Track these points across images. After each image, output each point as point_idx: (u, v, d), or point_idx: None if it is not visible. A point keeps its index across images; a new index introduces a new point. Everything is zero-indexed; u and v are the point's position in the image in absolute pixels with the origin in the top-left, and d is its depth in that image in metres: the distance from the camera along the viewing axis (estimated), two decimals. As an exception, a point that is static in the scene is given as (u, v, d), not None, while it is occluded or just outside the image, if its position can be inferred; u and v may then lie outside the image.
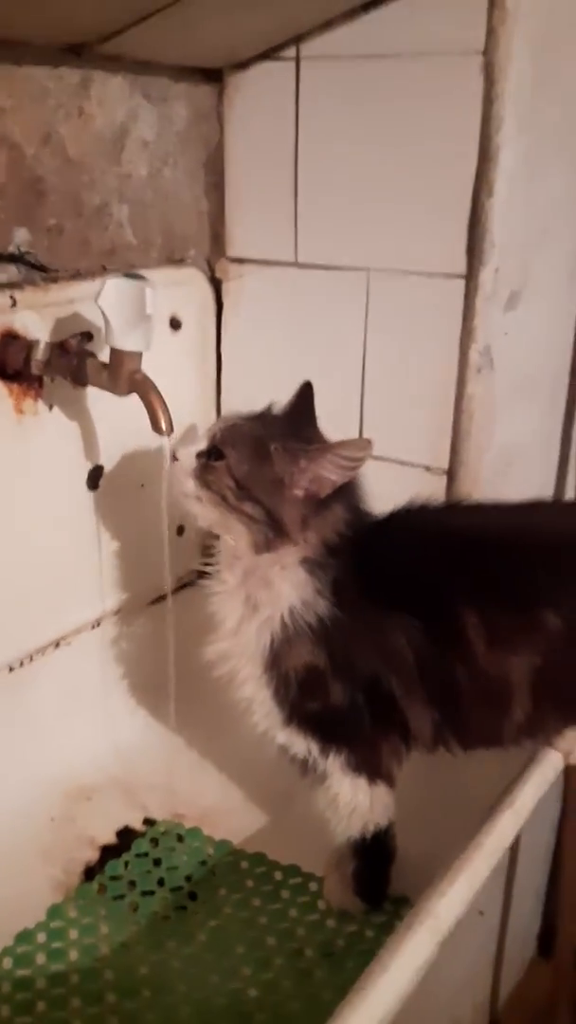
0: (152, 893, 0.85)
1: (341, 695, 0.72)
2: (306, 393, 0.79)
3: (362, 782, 0.75)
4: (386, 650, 0.70)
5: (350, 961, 0.77)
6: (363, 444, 0.69)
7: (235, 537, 0.72)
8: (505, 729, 0.71)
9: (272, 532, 0.70)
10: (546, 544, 0.71)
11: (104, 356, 0.79)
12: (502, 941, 1.58)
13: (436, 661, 0.69)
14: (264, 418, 0.75)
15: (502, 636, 0.68)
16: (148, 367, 0.81)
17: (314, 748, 0.75)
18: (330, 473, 0.69)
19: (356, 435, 0.99)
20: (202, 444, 0.73)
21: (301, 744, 0.75)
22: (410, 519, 0.75)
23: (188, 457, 0.73)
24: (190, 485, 0.72)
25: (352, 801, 0.75)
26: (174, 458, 0.74)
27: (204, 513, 0.73)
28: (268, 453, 0.70)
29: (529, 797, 0.75)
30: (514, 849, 1.49)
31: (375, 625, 0.70)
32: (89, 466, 0.93)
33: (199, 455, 0.72)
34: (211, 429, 0.74)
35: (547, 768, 0.78)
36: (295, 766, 0.78)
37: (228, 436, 0.72)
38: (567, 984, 1.55)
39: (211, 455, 0.72)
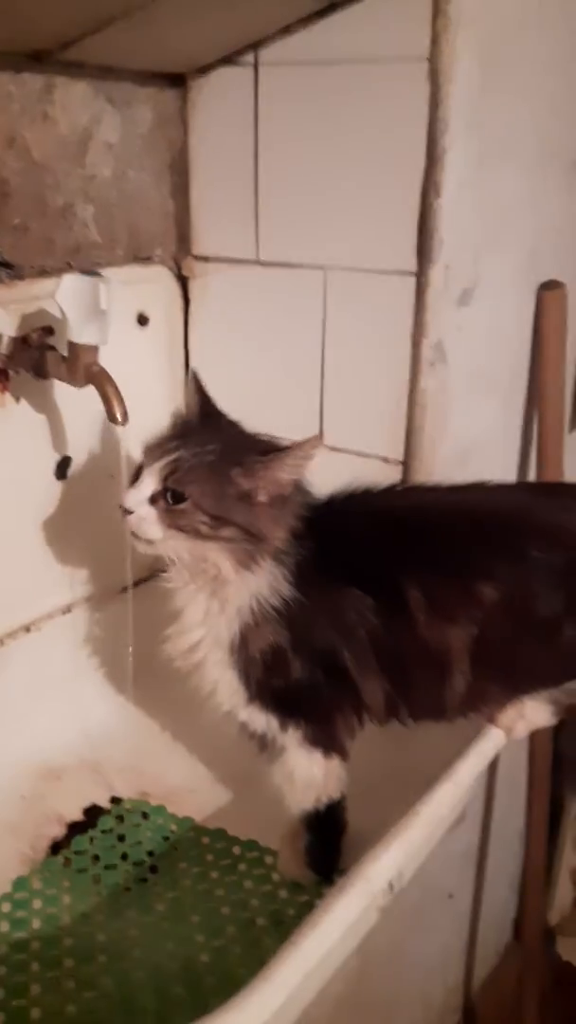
0: (115, 867, 0.88)
1: (301, 671, 0.75)
2: (199, 386, 0.80)
3: (317, 755, 0.78)
4: (340, 625, 0.73)
5: (298, 929, 0.80)
6: (314, 443, 0.72)
7: (216, 562, 0.72)
8: (448, 698, 0.75)
9: (251, 545, 0.72)
10: (481, 521, 0.75)
11: (63, 350, 0.83)
12: (475, 925, 1.62)
13: (385, 634, 0.73)
14: (188, 435, 0.75)
15: (442, 608, 0.72)
16: (117, 362, 0.84)
17: (274, 724, 0.78)
18: (288, 474, 0.72)
19: (317, 426, 1.03)
20: (148, 487, 0.72)
21: (262, 720, 0.78)
22: (355, 501, 0.78)
23: (141, 505, 0.72)
24: (158, 532, 0.72)
25: (307, 774, 0.79)
26: (126, 512, 0.72)
27: (178, 551, 0.72)
28: (228, 477, 0.71)
29: (467, 770, 0.78)
30: (484, 834, 1.53)
31: (330, 602, 0.74)
32: (57, 457, 0.97)
33: (153, 500, 0.72)
34: (151, 467, 0.72)
35: (488, 744, 0.82)
36: (254, 742, 0.81)
37: (181, 475, 0.71)
38: (535, 966, 1.59)
39: (168, 497, 0.71)
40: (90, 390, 0.84)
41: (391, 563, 0.74)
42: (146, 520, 0.72)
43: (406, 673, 0.74)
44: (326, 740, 0.77)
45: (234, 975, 0.76)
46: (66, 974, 0.76)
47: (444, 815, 0.76)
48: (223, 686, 0.78)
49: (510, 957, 1.79)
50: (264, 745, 0.79)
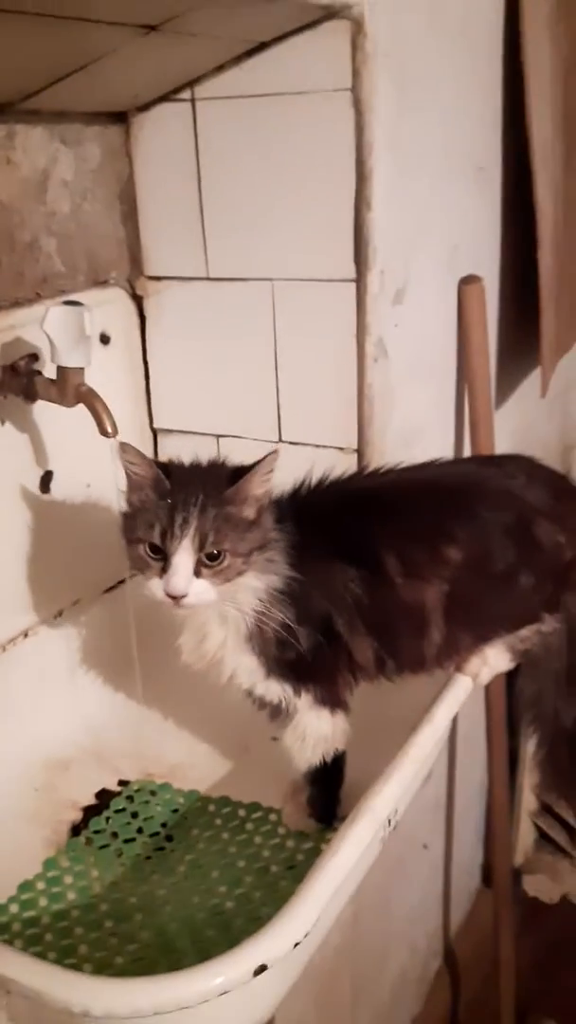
0: (133, 840, 0.96)
1: (307, 640, 0.82)
2: (139, 453, 0.80)
3: (326, 713, 0.86)
4: (331, 594, 0.82)
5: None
6: (273, 457, 0.78)
7: (244, 583, 0.77)
8: (427, 650, 0.85)
9: (263, 555, 0.78)
10: (440, 492, 0.87)
11: (49, 373, 0.91)
12: (448, 872, 1.75)
13: (368, 598, 0.82)
14: (174, 496, 0.76)
15: (415, 570, 0.82)
16: (87, 379, 0.92)
17: (288, 691, 0.84)
18: (261, 488, 0.79)
19: (275, 425, 1.12)
20: (188, 564, 0.74)
21: (278, 691, 0.84)
22: (324, 487, 0.88)
23: (191, 583, 0.74)
24: (213, 594, 0.76)
25: (319, 731, 0.86)
26: (178, 598, 0.75)
27: (223, 597, 0.77)
28: (229, 514, 0.76)
29: (444, 713, 0.89)
30: (450, 787, 1.65)
31: (320, 575, 0.82)
32: (40, 472, 1.04)
33: (196, 568, 0.75)
34: (178, 545, 0.74)
35: (458, 690, 0.93)
36: (265, 711, 0.88)
37: (212, 537, 0.74)
38: (506, 905, 1.72)
39: (206, 560, 0.75)
40: (68, 410, 0.93)
41: (368, 536, 0.84)
42: (203, 593, 0.75)
43: (390, 631, 0.84)
44: (332, 699, 0.86)
45: (259, 914, 0.85)
46: (107, 933, 0.84)
47: (428, 753, 0.87)
48: (242, 671, 0.84)
49: (481, 901, 1.93)
50: (276, 713, 0.87)
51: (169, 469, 0.80)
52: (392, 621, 0.84)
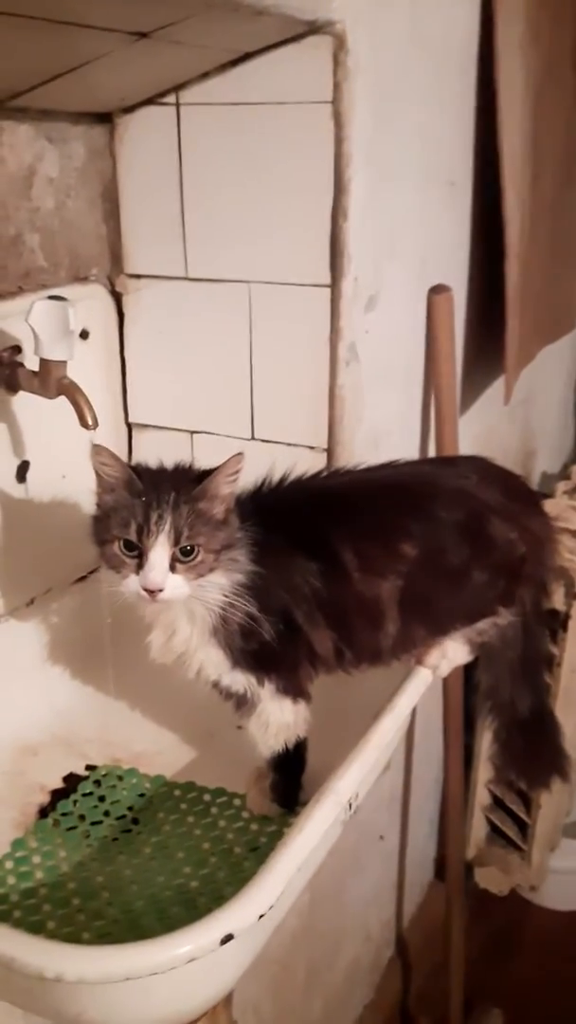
0: (100, 822, 0.98)
1: (270, 631, 0.84)
2: (113, 455, 0.82)
3: (288, 702, 0.89)
4: (291, 587, 0.85)
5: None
6: (237, 459, 0.80)
7: (212, 579, 0.80)
8: (383, 642, 0.89)
9: (230, 553, 0.81)
10: (397, 491, 0.91)
11: (31, 365, 0.93)
12: (402, 864, 1.80)
13: (327, 591, 0.86)
14: (148, 494, 0.79)
15: (371, 565, 0.86)
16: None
17: (252, 681, 0.87)
18: (227, 488, 0.81)
19: (248, 423, 1.16)
20: (164, 559, 0.77)
21: (242, 681, 0.87)
22: (286, 486, 0.91)
23: (167, 578, 0.77)
24: (187, 588, 0.78)
25: (281, 719, 0.89)
26: (154, 592, 0.77)
27: (194, 592, 0.79)
28: (201, 512, 0.79)
29: (405, 703, 0.93)
30: (407, 780, 1.70)
31: (282, 569, 0.85)
32: (17, 461, 1.06)
33: (173, 563, 0.77)
34: (153, 540, 0.77)
35: (419, 681, 0.97)
36: (230, 701, 0.91)
37: (186, 532, 0.77)
38: (458, 901, 1.77)
39: (180, 555, 0.78)
40: (46, 401, 0.95)
41: (326, 532, 0.87)
42: (178, 588, 0.78)
43: (348, 624, 0.88)
44: (294, 688, 0.89)
45: (223, 893, 0.87)
46: (75, 910, 0.86)
47: (389, 741, 0.91)
48: (209, 663, 0.87)
49: (434, 892, 1.98)
50: (241, 702, 0.90)
51: (139, 471, 0.83)
52: (350, 614, 0.87)
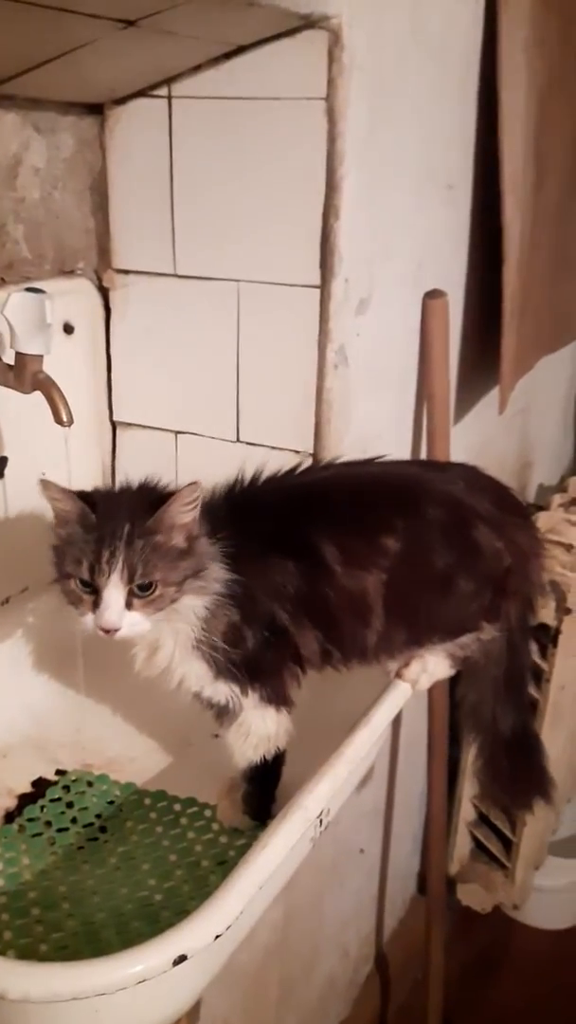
0: (67, 829, 0.96)
1: (253, 639, 0.83)
2: (65, 490, 0.80)
3: (271, 711, 0.86)
4: (273, 590, 0.83)
5: (240, 866, 0.91)
6: (192, 488, 0.77)
7: (183, 604, 0.79)
8: (368, 639, 0.86)
9: (198, 577, 0.79)
10: (380, 485, 0.89)
11: (7, 359, 0.91)
12: (383, 879, 1.77)
13: (310, 590, 0.83)
14: (101, 529, 0.76)
15: (355, 560, 0.83)
16: (47, 368, 0.93)
17: (236, 691, 0.85)
18: (184, 517, 0.78)
19: (234, 424, 1.13)
20: (119, 598, 0.75)
21: (225, 691, 0.85)
22: (262, 483, 0.88)
23: (122, 617, 0.75)
24: (147, 624, 0.77)
25: (263, 730, 0.87)
26: (110, 631, 0.75)
27: (158, 623, 0.78)
28: (158, 544, 0.76)
29: (381, 717, 0.90)
30: (390, 794, 1.67)
31: (261, 572, 0.83)
32: (-5, 458, 1.04)
33: (128, 599, 0.75)
34: (106, 579, 0.75)
35: (397, 694, 0.94)
36: (211, 711, 0.89)
37: (140, 569, 0.75)
38: (439, 917, 1.74)
39: (137, 591, 0.75)
40: (27, 396, 0.93)
41: (304, 529, 0.85)
42: (136, 624, 0.76)
43: (333, 621, 0.85)
44: (278, 696, 0.86)
45: (187, 908, 0.85)
46: (33, 920, 0.84)
47: (363, 755, 0.88)
48: (191, 676, 0.85)
49: (415, 908, 1.95)
50: (224, 712, 0.87)
51: (94, 499, 0.79)
52: (334, 610, 0.85)
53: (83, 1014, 0.65)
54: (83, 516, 0.78)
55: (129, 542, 0.75)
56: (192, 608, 0.80)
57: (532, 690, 1.51)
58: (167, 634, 0.82)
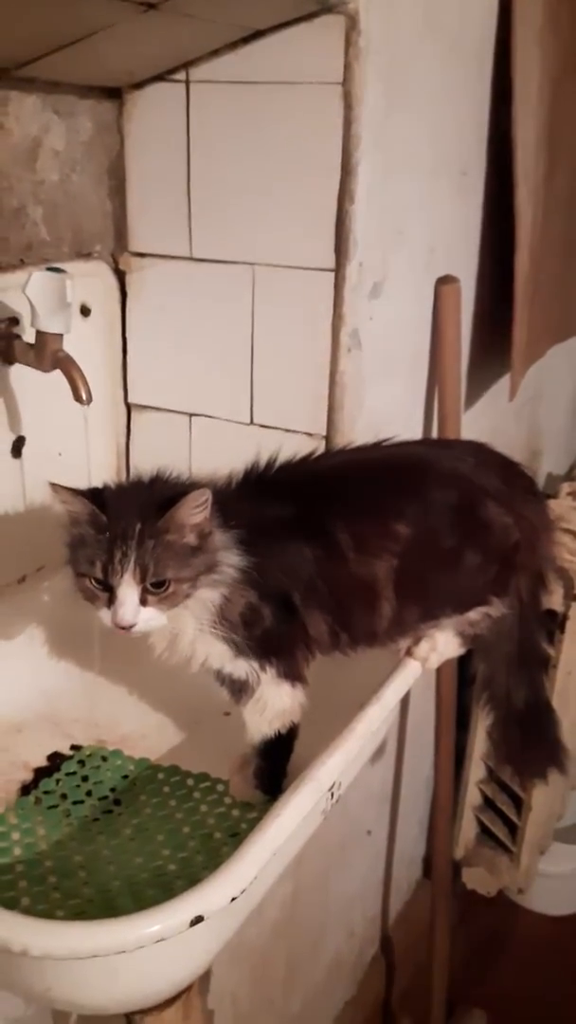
0: (82, 802, 0.98)
1: (270, 616, 0.84)
2: (75, 490, 0.81)
3: (287, 686, 0.88)
4: (287, 572, 0.84)
5: (253, 838, 0.92)
6: (199, 494, 0.78)
7: (199, 598, 0.80)
8: (378, 624, 0.88)
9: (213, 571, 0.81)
10: (390, 471, 0.90)
11: (28, 338, 0.92)
12: (390, 861, 1.78)
13: (323, 574, 0.85)
14: (113, 528, 0.77)
15: (367, 546, 0.85)
16: (65, 349, 0.94)
17: (255, 667, 0.86)
18: (194, 519, 0.79)
19: (248, 407, 1.14)
20: (133, 596, 0.77)
21: (244, 668, 0.86)
22: (278, 468, 0.90)
23: (138, 614, 0.77)
24: (163, 619, 0.79)
25: (280, 704, 0.88)
26: (127, 628, 0.77)
27: (175, 618, 0.80)
28: (170, 543, 0.78)
29: (392, 694, 0.92)
30: (397, 776, 1.68)
31: (277, 555, 0.84)
32: (12, 437, 1.06)
33: (143, 596, 0.77)
34: (120, 579, 0.76)
35: (407, 672, 0.95)
36: (226, 687, 0.90)
37: (153, 568, 0.76)
38: (444, 901, 1.75)
39: (151, 589, 0.77)
40: (43, 377, 0.94)
41: (320, 515, 0.86)
42: (152, 620, 0.78)
43: (343, 606, 0.87)
44: (293, 672, 0.88)
45: (200, 877, 0.85)
46: (51, 887, 0.86)
47: (374, 731, 0.89)
48: (213, 656, 0.86)
49: (420, 891, 1.97)
50: (241, 689, 0.89)
51: (105, 497, 0.80)
52: (345, 596, 0.86)
53: (102, 973, 0.67)
54: (94, 517, 0.79)
55: (140, 542, 0.77)
56: (208, 599, 0.82)
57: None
58: (186, 622, 0.84)
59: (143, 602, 0.78)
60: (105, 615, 0.79)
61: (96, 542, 0.78)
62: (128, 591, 0.77)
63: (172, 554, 0.78)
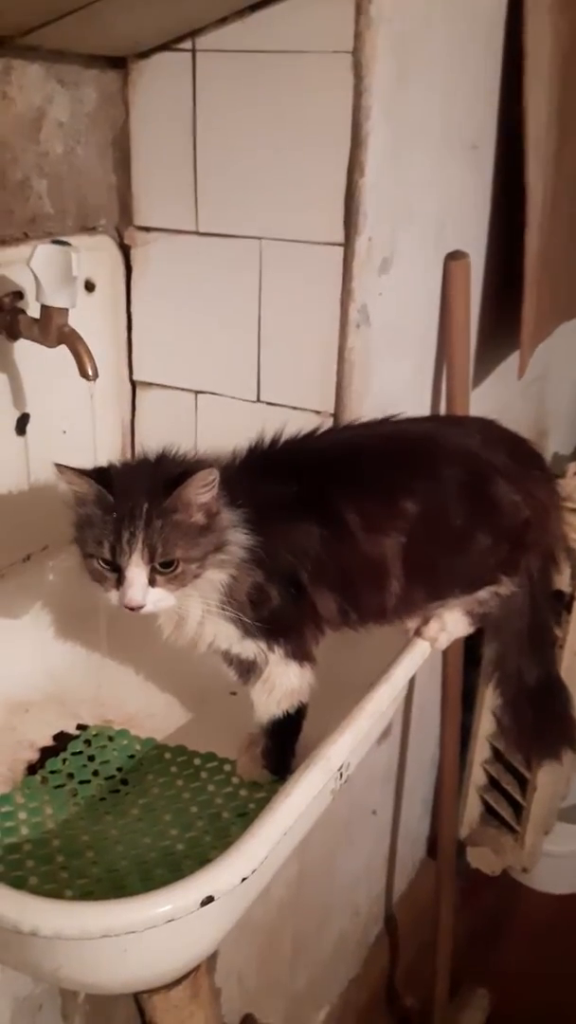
0: (88, 781, 0.97)
1: (277, 597, 0.84)
2: (81, 471, 0.80)
3: (295, 666, 0.87)
4: (295, 550, 0.83)
5: (261, 817, 0.92)
6: (206, 474, 0.77)
7: (206, 577, 0.80)
8: (387, 601, 0.87)
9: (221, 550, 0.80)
10: (397, 447, 0.89)
11: (33, 312, 0.91)
12: (394, 841, 1.79)
13: (331, 552, 0.84)
14: (120, 508, 0.77)
15: (375, 523, 0.84)
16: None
17: (263, 647, 0.86)
18: (202, 498, 0.78)
19: (255, 384, 1.13)
20: (141, 577, 0.76)
21: (252, 648, 0.86)
22: (283, 445, 0.89)
23: (147, 594, 0.76)
24: (171, 599, 0.78)
25: (288, 684, 0.88)
26: (136, 609, 0.77)
27: (184, 598, 0.80)
28: (177, 522, 0.77)
29: (401, 674, 0.91)
30: (402, 756, 1.68)
31: (284, 533, 0.83)
32: (17, 414, 1.04)
33: (151, 577, 0.76)
34: (128, 560, 0.76)
35: (416, 652, 0.95)
36: (233, 667, 0.90)
37: (161, 548, 0.76)
38: (449, 880, 1.76)
39: (159, 568, 0.76)
40: (48, 350, 0.93)
41: (327, 494, 0.85)
42: (161, 600, 0.78)
43: (353, 584, 0.86)
44: (302, 652, 0.87)
45: (208, 857, 0.86)
46: (59, 867, 0.85)
47: (383, 711, 0.89)
48: (220, 637, 0.86)
49: (425, 871, 1.97)
50: (249, 669, 0.88)
51: (111, 476, 0.80)
52: (354, 574, 0.86)
53: (112, 953, 0.66)
54: (100, 497, 0.78)
55: (148, 522, 0.76)
56: (216, 579, 0.81)
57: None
58: (193, 603, 0.83)
59: (151, 582, 0.77)
60: (113, 595, 0.78)
61: (103, 523, 0.77)
62: (136, 571, 0.76)
63: (180, 534, 0.77)
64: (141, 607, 0.77)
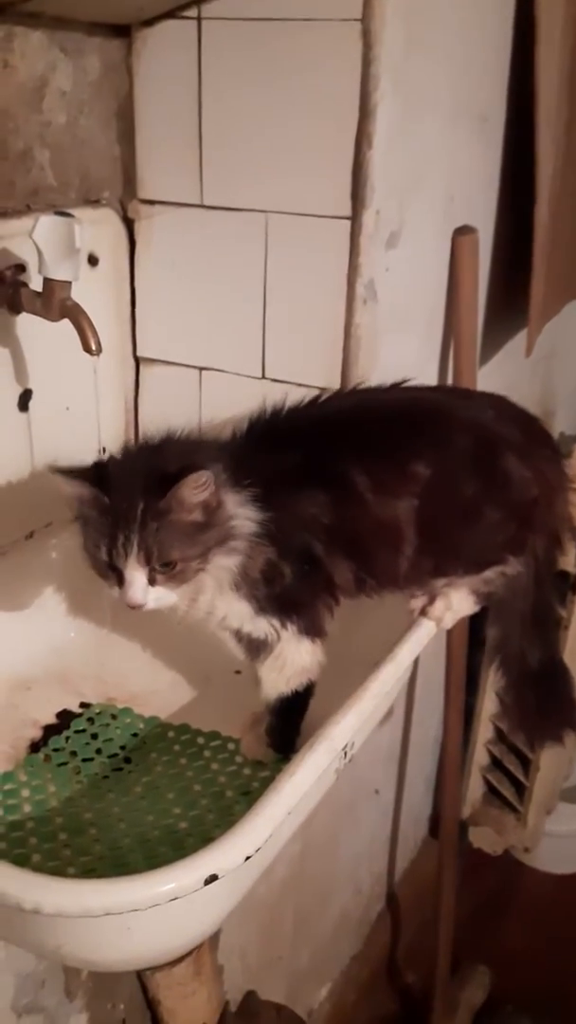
0: (91, 760, 0.97)
1: (290, 572, 0.83)
2: (76, 471, 0.81)
3: (307, 643, 0.87)
4: (306, 522, 0.83)
5: (265, 797, 0.91)
6: (198, 476, 0.75)
7: (216, 565, 0.80)
8: (402, 565, 0.86)
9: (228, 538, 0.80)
10: (406, 411, 0.88)
11: (35, 286, 0.90)
12: (397, 820, 1.79)
13: (343, 520, 0.83)
14: (116, 509, 0.76)
15: (386, 487, 0.83)
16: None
17: (276, 624, 0.85)
18: (197, 497, 0.77)
19: (259, 360, 1.12)
20: (141, 578, 0.76)
21: (265, 626, 0.85)
22: (286, 415, 0.87)
23: (147, 593, 0.76)
24: (173, 596, 0.78)
25: (299, 661, 0.87)
26: (137, 607, 0.77)
27: (190, 592, 0.80)
28: (174, 522, 0.76)
29: (406, 653, 0.90)
30: (405, 736, 1.68)
31: (293, 505, 0.83)
32: (19, 389, 1.03)
33: (151, 576, 0.76)
34: (127, 561, 0.75)
35: (422, 631, 0.94)
36: (243, 644, 0.89)
37: (158, 550, 0.75)
38: (451, 859, 1.76)
39: (159, 568, 0.76)
40: (51, 325, 0.92)
41: (333, 459, 0.84)
42: (162, 598, 0.78)
43: (367, 550, 0.85)
44: (314, 627, 0.87)
45: (212, 835, 0.85)
46: (61, 845, 0.85)
47: (388, 690, 0.88)
48: (233, 615, 0.85)
49: (426, 850, 1.98)
50: (258, 647, 0.88)
51: (108, 472, 0.79)
52: (368, 539, 0.85)
53: (115, 931, 0.66)
54: (96, 499, 0.77)
55: (144, 524, 0.75)
56: (226, 564, 0.80)
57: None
58: (206, 584, 0.82)
59: (152, 581, 0.77)
60: (116, 594, 0.79)
61: (100, 524, 0.77)
62: (135, 573, 0.76)
63: (177, 534, 0.77)
64: (142, 606, 0.78)
